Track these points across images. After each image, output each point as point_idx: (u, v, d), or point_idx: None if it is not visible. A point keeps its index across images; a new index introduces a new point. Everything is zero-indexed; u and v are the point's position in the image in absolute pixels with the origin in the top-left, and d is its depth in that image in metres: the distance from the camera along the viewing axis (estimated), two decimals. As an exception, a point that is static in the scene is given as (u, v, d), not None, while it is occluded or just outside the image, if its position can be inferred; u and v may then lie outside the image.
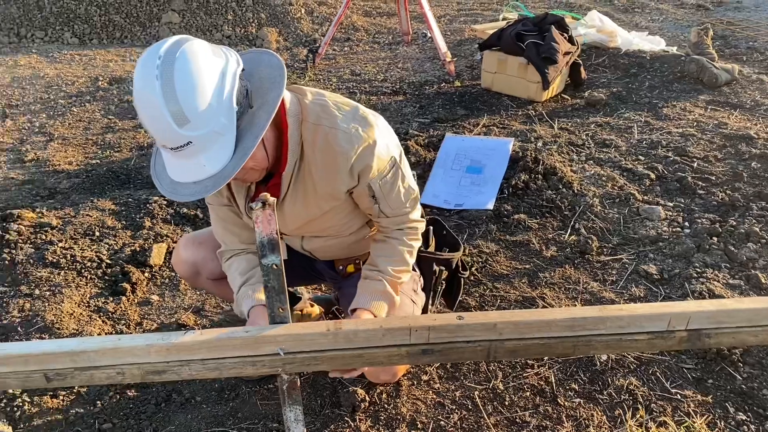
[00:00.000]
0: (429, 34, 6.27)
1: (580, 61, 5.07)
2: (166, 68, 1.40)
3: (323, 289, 2.79)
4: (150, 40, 6.76)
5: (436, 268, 2.20)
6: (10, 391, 2.20)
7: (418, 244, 1.98)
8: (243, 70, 1.56)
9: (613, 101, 4.74)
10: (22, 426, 2.10)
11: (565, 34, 4.91)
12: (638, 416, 2.08)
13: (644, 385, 2.21)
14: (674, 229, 3.07)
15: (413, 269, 2.12)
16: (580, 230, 3.10)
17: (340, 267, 2.14)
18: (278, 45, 6.63)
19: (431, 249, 2.23)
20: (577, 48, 4.98)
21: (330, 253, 2.09)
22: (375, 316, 1.88)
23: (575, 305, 2.59)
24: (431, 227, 2.28)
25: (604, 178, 3.53)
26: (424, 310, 2.17)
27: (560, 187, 3.42)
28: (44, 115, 4.84)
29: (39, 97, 5.20)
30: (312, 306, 2.54)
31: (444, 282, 2.26)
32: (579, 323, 1.55)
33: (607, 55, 5.57)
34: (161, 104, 1.41)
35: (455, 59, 5.65)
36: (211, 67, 1.46)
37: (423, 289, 2.16)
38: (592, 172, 3.61)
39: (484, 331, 1.55)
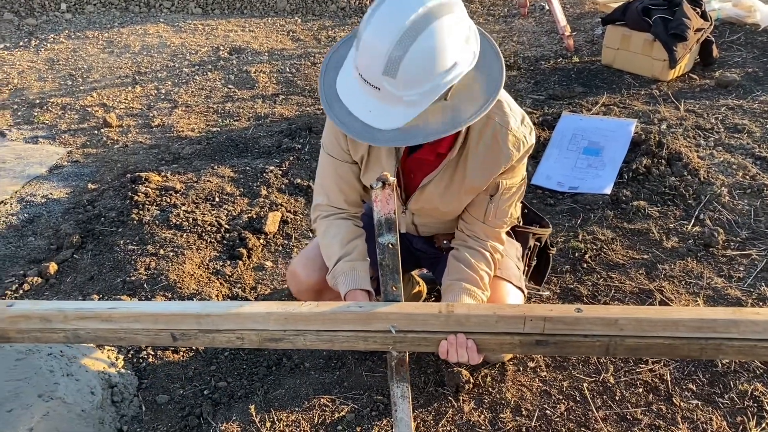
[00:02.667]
0: (547, 7, 6.03)
1: (713, 38, 4.70)
2: (422, 21, 1.39)
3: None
4: (268, 10, 6.93)
5: (531, 242, 2.15)
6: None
7: (498, 262, 1.92)
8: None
9: (747, 82, 4.37)
10: (146, 376, 2.26)
11: (698, 9, 4.57)
12: (764, 425, 1.94)
13: (771, 393, 2.06)
14: (814, 226, 2.82)
15: (512, 237, 2.11)
16: (705, 221, 2.91)
17: (444, 242, 2.12)
18: (392, 17, 6.60)
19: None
20: (710, 24, 4.62)
21: (435, 229, 2.08)
22: None
23: (696, 301, 2.45)
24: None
25: (734, 167, 3.29)
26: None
27: (685, 173, 3.21)
28: (170, 83, 5.09)
29: (165, 65, 5.48)
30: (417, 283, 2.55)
31: (536, 258, 2.21)
32: (709, 325, 1.46)
33: (743, 31, 5.14)
34: (389, 43, 1.40)
35: (574, 33, 5.41)
36: (452, 48, 1.43)
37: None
38: (722, 159, 3.37)
39: (604, 326, 1.49)
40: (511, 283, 1.97)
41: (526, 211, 2.25)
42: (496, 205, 1.83)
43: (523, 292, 2.01)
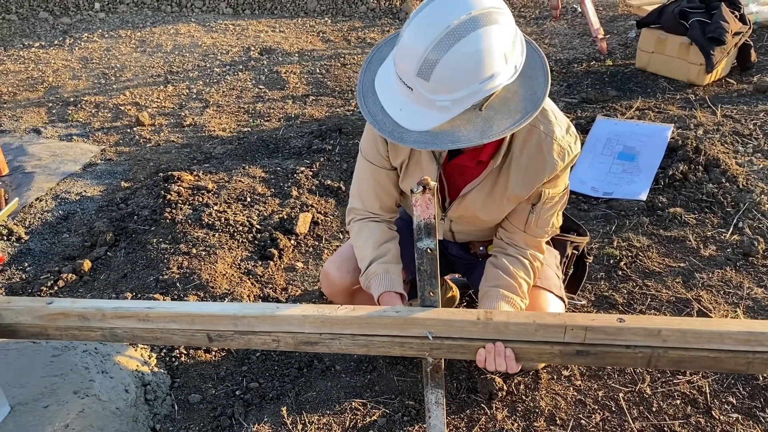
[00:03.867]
0: (580, 9, 5.97)
1: (751, 42, 4.60)
2: (464, 27, 1.36)
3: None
4: (298, 11, 6.95)
5: (569, 250, 2.11)
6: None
7: (537, 271, 1.88)
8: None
9: (787, 87, 4.27)
10: (178, 375, 2.27)
11: (736, 12, 4.48)
12: (807, 442, 1.89)
13: (815, 408, 2.00)
14: None
15: (551, 245, 2.07)
16: (744, 229, 2.85)
17: (480, 248, 2.09)
18: (421, 18, 6.58)
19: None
20: (749, 27, 4.52)
21: (472, 236, 2.06)
22: None
23: (735, 312, 2.39)
24: None
25: (774, 174, 3.21)
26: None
27: (723, 180, 3.15)
28: (201, 83, 5.13)
29: (197, 65, 5.52)
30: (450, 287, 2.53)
31: (572, 266, 2.18)
32: (757, 338, 1.41)
33: (783, 35, 5.03)
34: (427, 45, 1.38)
35: (607, 36, 5.34)
36: (491, 60, 1.39)
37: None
38: (761, 166, 3.29)
39: (647, 337, 1.46)
40: (551, 292, 1.94)
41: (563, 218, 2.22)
42: (537, 215, 1.80)
43: (563, 301, 1.97)
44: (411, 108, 1.50)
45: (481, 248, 2.09)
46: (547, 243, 2.00)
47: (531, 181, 1.72)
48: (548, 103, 1.69)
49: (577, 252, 2.15)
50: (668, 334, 1.44)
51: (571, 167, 1.86)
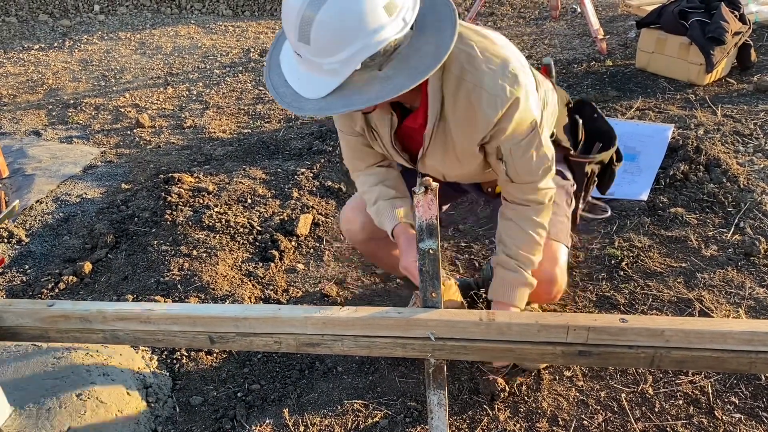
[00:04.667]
0: (579, 9, 5.97)
1: (751, 42, 4.60)
2: None
3: (461, 271, 2.76)
4: (298, 12, 6.95)
5: (588, 168, 2.09)
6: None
7: (549, 216, 1.83)
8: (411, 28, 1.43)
9: (787, 87, 4.27)
10: (180, 377, 2.27)
11: (736, 12, 4.47)
12: (810, 442, 1.89)
13: (817, 408, 2.00)
14: None
15: (566, 178, 2.05)
16: (746, 229, 2.84)
17: (488, 189, 2.08)
18: (421, 19, 6.58)
19: (581, 142, 2.14)
20: (749, 27, 4.52)
21: (474, 181, 2.06)
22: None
23: (737, 312, 2.39)
24: (580, 120, 2.16)
25: (775, 173, 3.21)
26: (574, 215, 2.10)
27: (724, 180, 3.14)
28: (201, 84, 5.13)
29: (197, 66, 5.52)
30: (449, 279, 2.53)
31: (596, 178, 2.17)
32: (760, 338, 1.41)
33: (782, 35, 5.03)
34: (299, 6, 1.34)
35: (607, 36, 5.34)
36: (370, 13, 1.33)
37: (575, 192, 2.09)
38: (762, 165, 3.29)
39: (650, 337, 1.45)
40: (557, 241, 1.94)
41: (592, 117, 2.18)
42: (512, 166, 1.73)
43: (568, 247, 1.99)
44: (305, 76, 1.47)
45: (488, 189, 2.08)
46: (561, 170, 1.97)
47: (472, 137, 1.67)
48: (480, 44, 1.61)
49: (601, 164, 2.13)
50: (671, 334, 1.44)
51: (542, 115, 1.77)
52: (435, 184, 1.39)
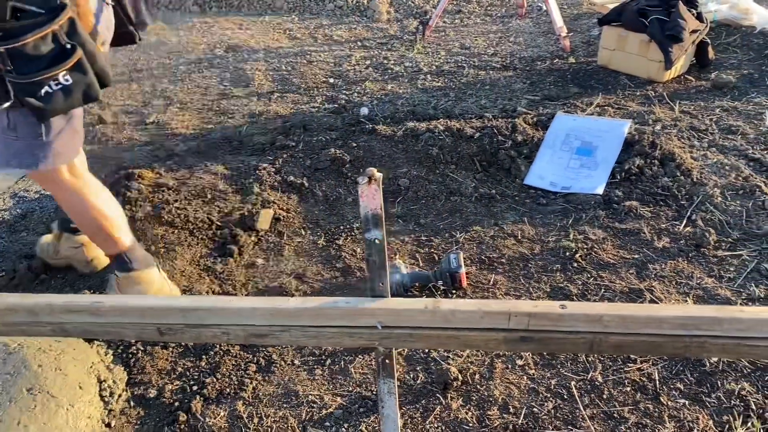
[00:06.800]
0: (544, 7, 6.04)
1: (708, 40, 4.71)
2: None
3: (420, 264, 2.79)
4: (265, 8, 6.93)
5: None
6: (128, 340, 2.36)
7: None
8: None
9: (742, 84, 4.37)
10: (135, 371, 2.26)
11: (694, 11, 4.57)
12: (749, 425, 1.95)
13: (758, 392, 2.06)
14: (805, 227, 2.82)
15: None
16: (697, 222, 2.92)
17: None
18: (389, 16, 6.61)
19: None
20: (706, 26, 4.62)
21: None
22: None
23: (686, 301, 2.45)
24: None
25: (727, 168, 3.29)
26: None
27: (678, 174, 3.22)
28: (165, 80, 5.09)
29: (162, 63, 5.47)
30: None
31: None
32: (693, 322, 1.46)
33: (739, 34, 5.14)
34: None
35: (570, 34, 5.42)
36: None
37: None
38: (715, 160, 3.37)
39: (588, 323, 1.49)
40: None
41: None
42: None
43: None
44: None
45: None
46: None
47: None
48: None
49: None
50: (609, 319, 1.48)
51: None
52: (379, 174, 1.41)
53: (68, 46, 1.87)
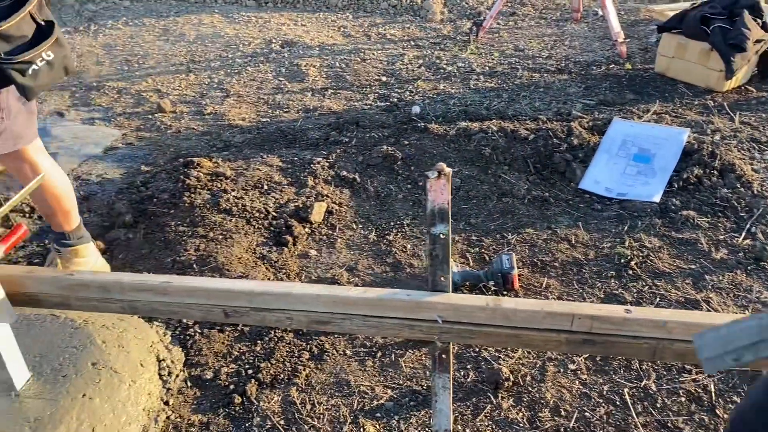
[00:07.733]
0: (601, 12, 5.97)
1: (773, 51, 4.60)
2: None
3: (471, 264, 2.80)
4: (320, 5, 7.01)
5: None
6: (185, 321, 2.43)
7: None
8: None
9: (807, 97, 4.26)
10: (192, 353, 2.32)
11: (759, 20, 4.47)
12: (809, 443, 1.90)
13: (819, 411, 2.01)
14: None
15: None
16: (757, 234, 2.86)
17: None
18: (442, 16, 6.62)
19: None
20: (771, 35, 4.51)
21: None
22: None
23: (745, 314, 2.40)
24: None
25: (789, 181, 3.21)
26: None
27: (738, 185, 3.15)
28: (222, 72, 5.19)
29: (218, 55, 5.59)
30: None
31: None
32: (761, 334, 1.44)
33: (805, 44, 5.00)
34: None
35: (627, 40, 5.34)
36: None
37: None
38: (777, 173, 3.29)
39: (653, 329, 1.48)
40: None
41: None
42: None
43: None
44: None
45: None
46: None
47: None
48: None
49: None
50: (674, 326, 1.47)
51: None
52: (449, 170, 1.43)
53: (43, 23, 1.98)
